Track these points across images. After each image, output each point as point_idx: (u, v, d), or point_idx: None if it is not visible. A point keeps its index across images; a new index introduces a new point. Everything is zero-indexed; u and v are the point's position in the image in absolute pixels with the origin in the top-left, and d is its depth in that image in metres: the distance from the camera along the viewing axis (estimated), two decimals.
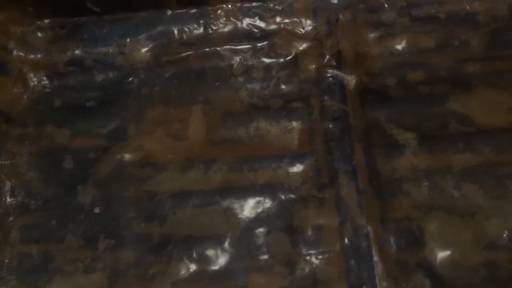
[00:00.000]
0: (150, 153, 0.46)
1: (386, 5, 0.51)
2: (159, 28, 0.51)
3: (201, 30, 0.51)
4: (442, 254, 0.41)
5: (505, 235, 0.42)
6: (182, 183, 0.45)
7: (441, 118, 0.47)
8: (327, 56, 0.50)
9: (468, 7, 0.51)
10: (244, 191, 0.44)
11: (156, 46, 0.50)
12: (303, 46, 0.51)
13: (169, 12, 0.51)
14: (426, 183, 0.44)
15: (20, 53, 0.50)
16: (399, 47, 0.50)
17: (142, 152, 0.46)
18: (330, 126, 0.46)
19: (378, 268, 0.41)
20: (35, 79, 0.50)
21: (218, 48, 0.51)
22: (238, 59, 0.50)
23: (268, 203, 0.44)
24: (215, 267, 0.41)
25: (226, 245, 0.42)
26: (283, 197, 0.44)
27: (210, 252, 0.42)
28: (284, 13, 0.51)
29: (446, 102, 0.47)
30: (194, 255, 0.42)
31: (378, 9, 0.51)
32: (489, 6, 0.51)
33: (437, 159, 0.45)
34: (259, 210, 0.43)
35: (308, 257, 0.41)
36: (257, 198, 0.44)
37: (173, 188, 0.44)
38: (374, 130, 0.47)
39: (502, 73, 0.49)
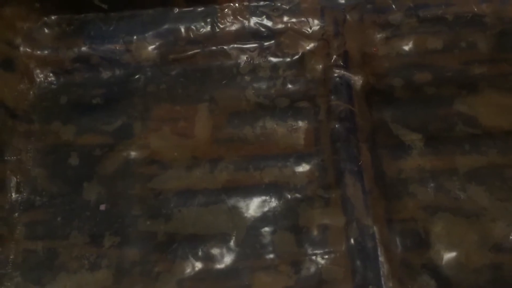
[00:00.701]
0: (155, 151, 0.46)
1: (393, 6, 0.51)
2: (166, 26, 0.50)
3: (208, 28, 0.51)
4: (448, 256, 0.41)
5: (511, 237, 0.41)
6: (187, 181, 0.45)
7: (448, 120, 0.47)
8: (334, 56, 0.49)
9: (475, 9, 0.51)
10: (250, 190, 0.44)
11: (163, 44, 0.50)
12: (310, 45, 0.51)
13: (176, 10, 0.51)
14: (432, 184, 0.44)
15: (27, 49, 0.49)
16: (406, 48, 0.50)
17: (147, 150, 0.46)
18: (336, 126, 0.46)
19: (384, 269, 0.41)
20: (42, 75, 0.50)
21: (225, 47, 0.50)
22: (245, 58, 0.50)
23: (274, 203, 0.44)
24: (220, 266, 0.41)
25: (232, 244, 0.42)
26: (289, 196, 0.44)
27: (215, 251, 0.42)
28: (291, 13, 0.51)
29: (452, 103, 0.47)
30: (200, 253, 0.42)
31: (386, 10, 0.51)
32: (496, 8, 0.51)
33: (443, 160, 0.45)
34: (265, 209, 0.43)
35: (313, 257, 0.41)
36: (263, 197, 0.44)
37: (179, 186, 0.44)
38: (381, 131, 0.47)
39: (509, 75, 0.49)
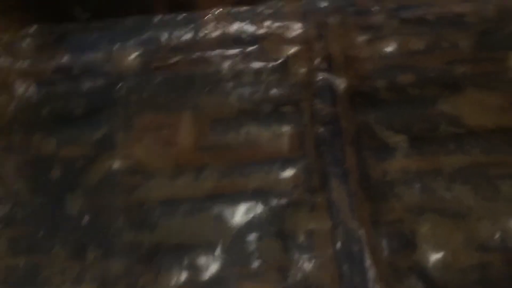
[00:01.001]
0: (139, 160, 0.46)
1: (375, 8, 0.51)
2: (147, 34, 0.50)
3: (190, 35, 0.51)
4: (435, 257, 0.41)
5: (496, 236, 0.42)
6: (172, 190, 0.44)
7: (431, 120, 0.47)
8: (317, 60, 0.49)
9: (456, 9, 0.51)
10: (235, 197, 0.44)
11: (145, 52, 0.50)
12: (293, 50, 0.50)
13: (157, 18, 0.51)
14: (417, 185, 0.44)
15: (7, 61, 0.49)
16: (388, 49, 0.50)
17: (131, 160, 0.46)
18: (321, 130, 0.46)
19: (371, 272, 0.40)
20: (22, 87, 0.49)
21: (207, 53, 0.50)
22: (228, 64, 0.50)
23: (259, 209, 0.43)
24: (206, 275, 0.41)
25: (217, 252, 0.41)
26: (274, 202, 0.44)
27: (201, 260, 0.41)
28: (273, 17, 0.51)
29: (436, 104, 0.47)
30: (185, 263, 0.41)
31: (367, 12, 0.51)
32: (477, 8, 0.51)
33: (428, 161, 0.45)
34: (251, 216, 0.43)
35: (300, 262, 0.41)
36: (248, 204, 0.43)
37: (163, 196, 0.44)
38: (365, 133, 0.46)
39: (491, 74, 0.49)
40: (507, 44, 0.50)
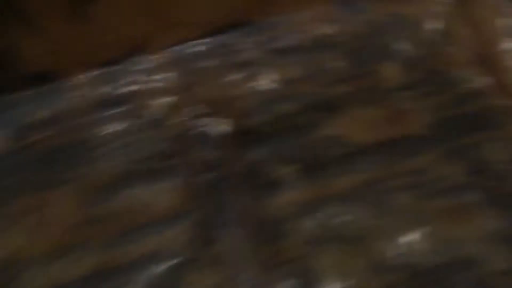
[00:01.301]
0: (14, 250, 0.42)
1: (247, 44, 0.52)
2: (12, 113, 0.48)
3: (60, 105, 0.48)
4: None
5: (396, 254, 0.40)
6: (53, 275, 0.40)
7: (318, 145, 0.46)
8: (196, 106, 0.48)
9: (326, 31, 0.52)
10: (125, 268, 0.41)
11: (12, 132, 0.47)
12: (169, 100, 0.49)
13: (21, 94, 0.48)
14: (312, 216, 0.42)
15: None
16: (266, 83, 0.50)
17: (5, 251, 0.42)
18: (207, 178, 0.44)
19: None
20: None
21: (80, 120, 0.48)
22: (104, 128, 0.48)
23: (151, 275, 0.40)
24: None
25: None
26: (168, 263, 0.41)
27: None
28: (145, 72, 0.50)
29: (321, 128, 0.47)
30: None
31: (240, 50, 0.51)
32: (346, 26, 0.53)
33: (320, 187, 0.44)
34: (145, 284, 0.40)
35: None
36: (141, 272, 0.40)
37: (44, 285, 0.40)
38: (254, 172, 0.45)
39: (369, 89, 0.50)
40: (379, 56, 0.51)
